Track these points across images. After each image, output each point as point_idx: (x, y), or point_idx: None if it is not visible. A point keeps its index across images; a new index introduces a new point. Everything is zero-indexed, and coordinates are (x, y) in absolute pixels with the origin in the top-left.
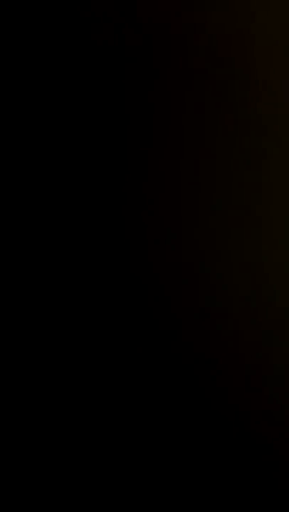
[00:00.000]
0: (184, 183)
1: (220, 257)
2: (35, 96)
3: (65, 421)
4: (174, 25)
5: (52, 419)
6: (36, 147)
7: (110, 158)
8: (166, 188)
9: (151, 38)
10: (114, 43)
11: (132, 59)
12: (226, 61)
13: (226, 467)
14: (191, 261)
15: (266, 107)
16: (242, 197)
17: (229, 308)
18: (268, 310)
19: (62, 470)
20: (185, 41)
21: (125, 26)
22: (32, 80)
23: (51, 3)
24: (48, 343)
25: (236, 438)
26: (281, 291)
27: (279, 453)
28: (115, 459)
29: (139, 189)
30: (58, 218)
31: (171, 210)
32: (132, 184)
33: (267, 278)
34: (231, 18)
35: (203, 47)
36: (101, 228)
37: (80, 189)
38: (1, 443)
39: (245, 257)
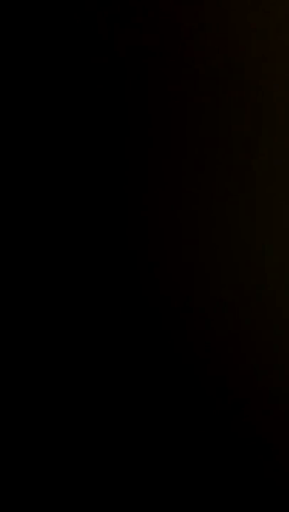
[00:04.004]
0: (184, 182)
1: (220, 257)
2: (37, 103)
3: (65, 419)
4: (173, 26)
5: (52, 417)
6: (38, 149)
7: (111, 158)
8: (166, 187)
9: (150, 38)
10: (114, 46)
11: (132, 58)
12: (225, 61)
13: (225, 467)
14: (190, 260)
15: (266, 101)
16: (242, 196)
17: (229, 307)
18: (268, 310)
19: (62, 469)
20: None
21: (125, 27)
22: (33, 89)
23: (52, 13)
24: (48, 341)
25: (236, 438)
26: (281, 290)
27: (279, 452)
28: (115, 454)
29: (138, 188)
30: (59, 220)
31: (171, 209)
32: (132, 182)
33: (267, 277)
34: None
35: (202, 47)
36: (101, 226)
37: (81, 190)
38: (1, 443)
39: (244, 255)
